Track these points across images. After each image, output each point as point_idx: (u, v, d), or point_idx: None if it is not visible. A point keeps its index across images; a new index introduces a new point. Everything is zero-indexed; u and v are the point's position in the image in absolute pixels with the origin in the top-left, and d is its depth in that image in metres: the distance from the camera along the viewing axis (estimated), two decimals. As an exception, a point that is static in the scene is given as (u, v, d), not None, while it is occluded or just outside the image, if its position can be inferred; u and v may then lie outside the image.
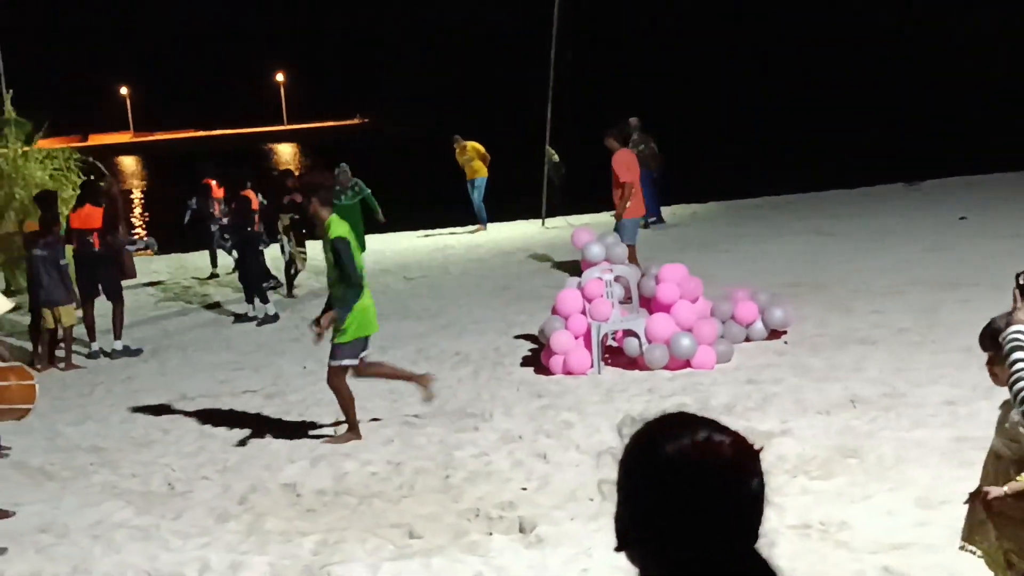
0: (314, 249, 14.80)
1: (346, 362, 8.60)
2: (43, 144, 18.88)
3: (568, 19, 19.65)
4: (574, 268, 14.52)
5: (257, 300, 14.53)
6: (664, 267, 10.62)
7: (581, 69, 20.64)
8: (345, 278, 8.39)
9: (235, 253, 15.67)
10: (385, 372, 9.01)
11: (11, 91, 19.29)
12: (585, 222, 20.12)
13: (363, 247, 15.51)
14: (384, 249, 19.46)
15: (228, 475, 8.19)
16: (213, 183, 17.78)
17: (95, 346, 12.96)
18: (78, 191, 17.33)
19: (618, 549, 2.01)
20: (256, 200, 14.88)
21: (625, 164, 13.63)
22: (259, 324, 14.19)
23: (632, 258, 13.06)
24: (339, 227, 8.45)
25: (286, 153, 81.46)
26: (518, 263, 17.30)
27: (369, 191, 16.81)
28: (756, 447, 1.99)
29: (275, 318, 14.31)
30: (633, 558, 2.00)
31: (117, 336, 13.03)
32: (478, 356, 11.39)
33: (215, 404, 10.35)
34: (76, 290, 12.58)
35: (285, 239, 15.74)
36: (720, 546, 1.95)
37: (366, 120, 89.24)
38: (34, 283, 12.22)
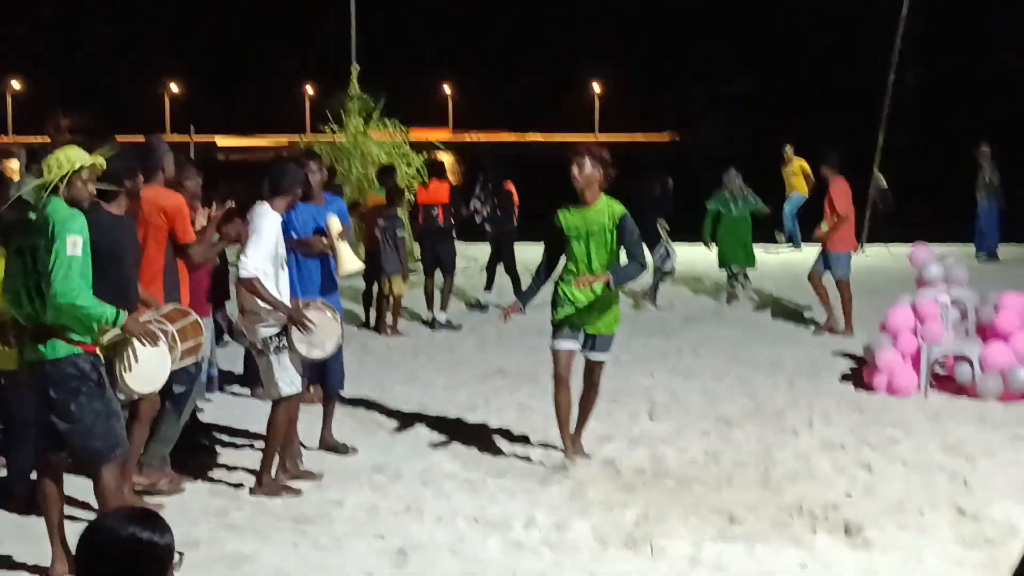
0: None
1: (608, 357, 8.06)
2: (376, 135, 19.67)
3: (913, 36, 19.06)
4: (893, 296, 14.10)
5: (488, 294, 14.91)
6: (1005, 295, 10.15)
7: (926, 92, 19.89)
8: (638, 258, 7.62)
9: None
10: None
11: (358, 68, 20.24)
12: (906, 252, 19.45)
13: (752, 261, 15.22)
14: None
15: (549, 448, 8.40)
16: (512, 187, 18.01)
17: (430, 315, 13.63)
18: (415, 169, 18.31)
19: None
20: (516, 195, 15.08)
21: (843, 193, 12.81)
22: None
23: (845, 294, 12.81)
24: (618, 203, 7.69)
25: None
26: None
27: (760, 201, 15.57)
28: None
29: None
30: None
31: (443, 307, 13.62)
32: (792, 365, 11.26)
33: (532, 380, 10.63)
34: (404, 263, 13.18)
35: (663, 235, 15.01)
36: None
37: (677, 137, 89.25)
38: (373, 252, 12.92)
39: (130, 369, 6.03)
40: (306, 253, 7.98)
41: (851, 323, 12.75)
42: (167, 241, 7.04)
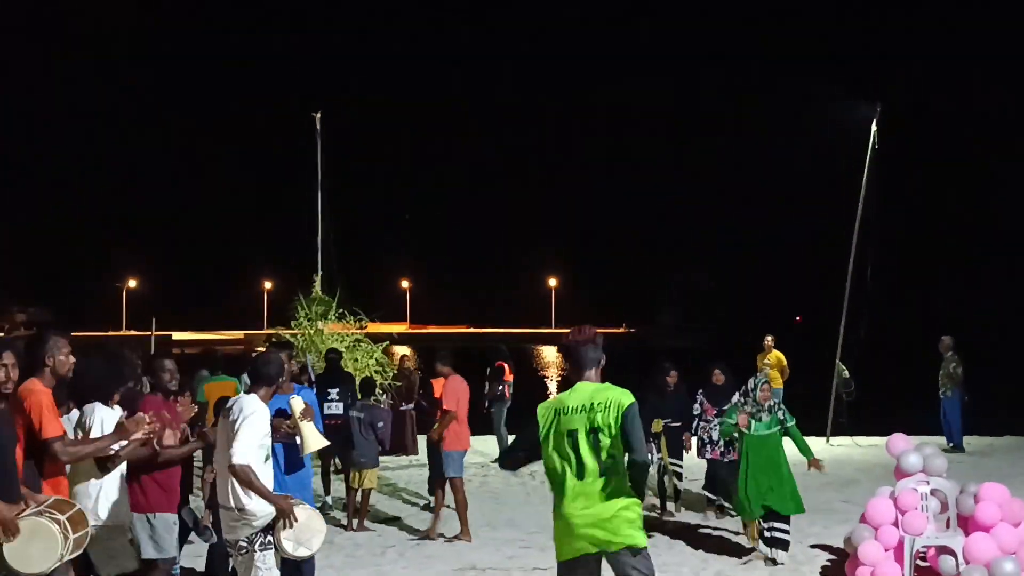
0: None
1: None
2: (333, 327, 20.27)
3: (870, 236, 19.49)
4: (864, 487, 14.01)
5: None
6: (984, 486, 10.04)
7: (882, 287, 20.24)
8: (639, 455, 6.22)
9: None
10: None
11: (320, 273, 21.14)
12: (872, 443, 19.46)
13: (800, 506, 10.99)
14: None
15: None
16: (506, 366, 18.23)
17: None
18: (374, 360, 18.66)
19: None
20: (508, 371, 16.68)
21: (452, 391, 12.11)
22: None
23: (459, 495, 12.05)
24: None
25: (550, 354, 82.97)
26: (802, 475, 16.73)
27: (794, 421, 11.22)
28: None
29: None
30: None
31: None
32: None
33: (507, 578, 10.33)
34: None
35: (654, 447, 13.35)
36: None
37: (632, 330, 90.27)
38: (348, 443, 12.75)
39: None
40: (273, 439, 7.87)
41: (467, 527, 12.19)
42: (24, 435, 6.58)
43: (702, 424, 13.44)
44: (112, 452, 6.99)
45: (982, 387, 19.93)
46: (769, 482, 10.75)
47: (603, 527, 6.09)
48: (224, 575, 8.84)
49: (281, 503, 6.90)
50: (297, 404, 7.95)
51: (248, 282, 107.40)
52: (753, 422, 10.97)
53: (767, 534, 10.82)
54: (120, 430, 6.71)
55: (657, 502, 13.62)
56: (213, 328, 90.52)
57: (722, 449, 13.09)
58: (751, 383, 11.22)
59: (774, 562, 10.74)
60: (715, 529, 12.68)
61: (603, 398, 6.26)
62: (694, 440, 13.61)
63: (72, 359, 6.74)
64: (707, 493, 13.51)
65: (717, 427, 12.88)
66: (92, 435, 6.97)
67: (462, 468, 12.20)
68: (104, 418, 7.10)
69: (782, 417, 11.04)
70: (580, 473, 6.17)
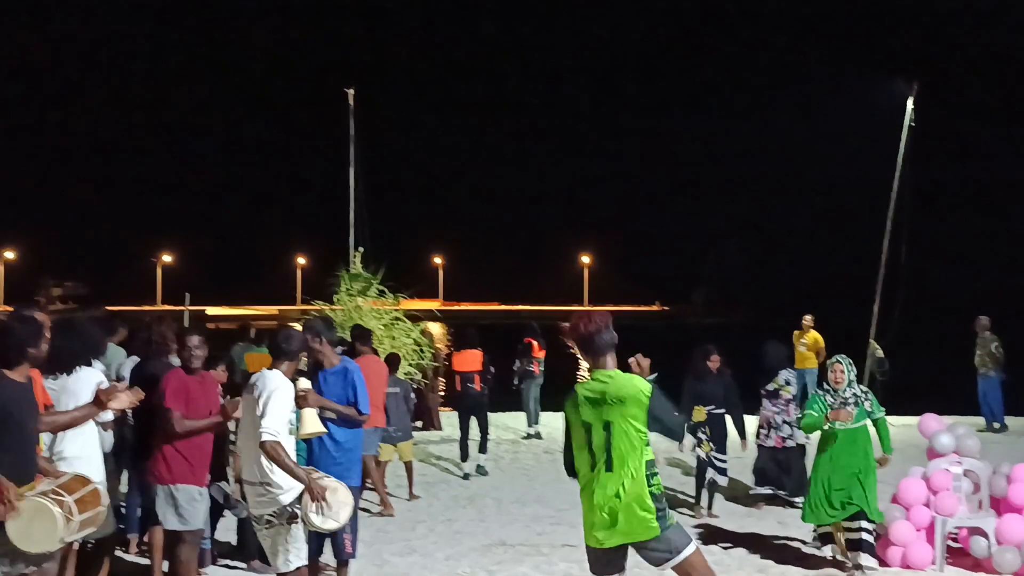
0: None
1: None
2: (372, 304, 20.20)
3: (906, 213, 19.29)
4: (896, 468, 13.88)
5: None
6: (1017, 467, 9.98)
7: (917, 266, 19.96)
8: (675, 433, 6.38)
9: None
10: None
11: (361, 249, 21.00)
12: (904, 423, 19.32)
13: (878, 513, 9.55)
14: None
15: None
16: (535, 343, 18.24)
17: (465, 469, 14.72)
18: (412, 340, 18.66)
19: None
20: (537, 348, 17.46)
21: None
22: None
23: (377, 471, 12.25)
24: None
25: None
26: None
27: (883, 413, 10.02)
28: None
29: None
30: None
31: (481, 451, 15.02)
32: (807, 537, 10.93)
33: (535, 552, 10.37)
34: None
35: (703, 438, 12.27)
36: None
37: (666, 308, 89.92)
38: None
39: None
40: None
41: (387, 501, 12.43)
42: None
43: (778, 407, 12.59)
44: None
45: (1019, 367, 19.70)
46: (855, 482, 9.45)
47: (621, 520, 6.10)
48: (256, 548, 8.89)
49: (308, 480, 6.93)
50: (301, 385, 7.94)
51: (282, 259, 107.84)
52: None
53: (851, 536, 9.47)
54: (97, 402, 6.73)
55: (695, 500, 12.36)
56: (247, 303, 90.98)
57: (786, 436, 12.50)
58: (828, 365, 9.98)
59: (860, 568, 9.39)
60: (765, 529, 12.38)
61: (615, 392, 6.14)
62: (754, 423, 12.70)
63: (44, 347, 6.68)
64: (761, 489, 12.66)
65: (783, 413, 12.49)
66: (81, 400, 6.96)
67: (375, 446, 12.17)
68: (90, 382, 7.10)
69: (870, 408, 9.75)
70: (596, 465, 6.19)
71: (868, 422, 9.73)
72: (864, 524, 9.41)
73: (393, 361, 13.61)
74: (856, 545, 9.44)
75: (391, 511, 12.27)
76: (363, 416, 8.21)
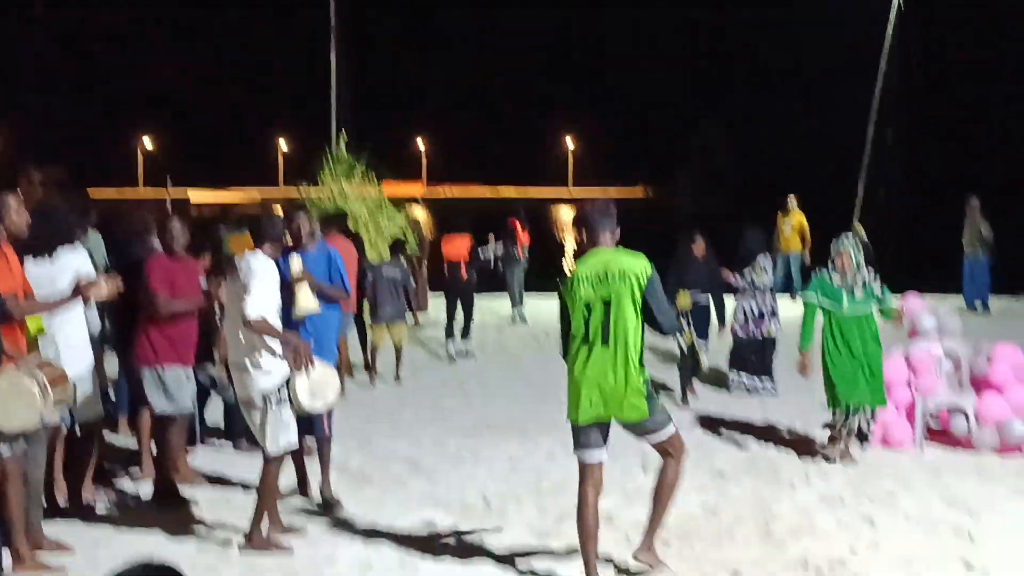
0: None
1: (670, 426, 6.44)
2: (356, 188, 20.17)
3: (893, 95, 19.17)
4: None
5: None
6: (998, 346, 10.07)
7: (905, 146, 19.91)
8: (667, 325, 6.28)
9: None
10: None
11: (343, 132, 20.94)
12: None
13: (882, 398, 9.35)
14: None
15: (543, 498, 8.23)
16: (517, 224, 18.16)
17: (450, 349, 14.93)
18: (397, 226, 18.74)
19: None
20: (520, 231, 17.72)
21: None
22: None
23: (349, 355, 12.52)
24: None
25: (567, 216, 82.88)
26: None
27: (892, 300, 9.64)
28: None
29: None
30: None
31: (464, 336, 15.15)
32: (784, 419, 11.04)
33: (520, 433, 10.47)
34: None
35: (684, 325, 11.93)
36: None
37: (649, 192, 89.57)
38: (374, 301, 13.08)
39: None
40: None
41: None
42: None
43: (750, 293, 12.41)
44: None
45: (1010, 248, 19.60)
46: (865, 370, 9.19)
47: (613, 396, 6.12)
48: (243, 429, 8.94)
49: (300, 346, 6.95)
50: (295, 265, 7.93)
51: (263, 141, 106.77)
52: (846, 298, 9.28)
53: (854, 426, 9.29)
54: (76, 294, 6.70)
55: (682, 398, 12.01)
56: (228, 185, 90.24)
57: (760, 323, 12.35)
58: (832, 249, 9.45)
59: (850, 456, 9.29)
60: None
61: (617, 268, 6.14)
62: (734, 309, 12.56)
63: (25, 216, 6.65)
64: (738, 374, 12.53)
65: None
66: (60, 286, 6.93)
67: (345, 328, 11.94)
68: (71, 268, 7.07)
69: (880, 294, 9.32)
70: (591, 342, 6.14)
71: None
72: (869, 417, 9.38)
73: (395, 248, 13.96)
74: (862, 436, 9.42)
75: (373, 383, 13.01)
76: (347, 295, 8.42)
